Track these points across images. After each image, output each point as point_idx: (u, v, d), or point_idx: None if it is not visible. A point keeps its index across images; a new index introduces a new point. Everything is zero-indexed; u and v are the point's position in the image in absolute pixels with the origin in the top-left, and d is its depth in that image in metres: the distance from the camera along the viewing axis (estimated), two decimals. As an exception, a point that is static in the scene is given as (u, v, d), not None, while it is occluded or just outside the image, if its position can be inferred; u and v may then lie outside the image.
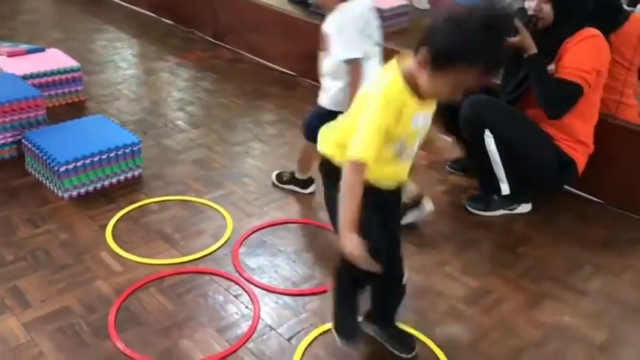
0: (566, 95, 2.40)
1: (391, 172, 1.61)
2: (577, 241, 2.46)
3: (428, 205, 2.45)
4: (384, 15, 4.84)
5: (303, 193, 2.66)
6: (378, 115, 1.45)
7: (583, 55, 2.37)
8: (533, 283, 2.20)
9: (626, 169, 2.60)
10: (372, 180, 1.55)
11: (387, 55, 3.42)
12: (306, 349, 1.84)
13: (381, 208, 1.62)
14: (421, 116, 1.53)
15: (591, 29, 2.38)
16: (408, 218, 2.42)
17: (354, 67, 2.21)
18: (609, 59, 2.42)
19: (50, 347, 1.81)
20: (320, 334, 1.90)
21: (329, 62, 2.28)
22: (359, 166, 1.47)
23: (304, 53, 3.24)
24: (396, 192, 1.71)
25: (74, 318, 1.92)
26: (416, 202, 2.44)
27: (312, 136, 2.49)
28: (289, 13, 4.09)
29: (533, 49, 2.39)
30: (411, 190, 2.42)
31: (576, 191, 2.76)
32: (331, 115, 2.28)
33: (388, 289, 1.76)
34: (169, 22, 4.95)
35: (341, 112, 2.18)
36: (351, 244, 1.48)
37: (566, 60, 2.38)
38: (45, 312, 1.94)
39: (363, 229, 1.53)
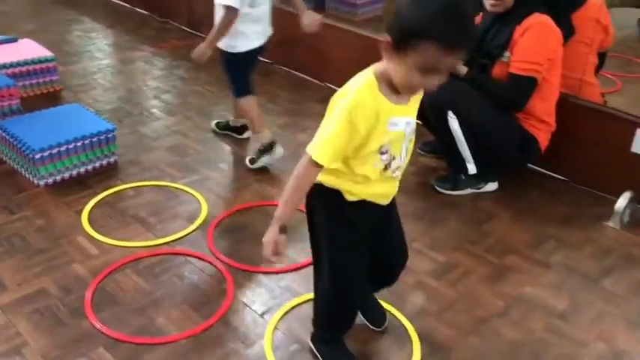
0: (521, 90, 2.48)
1: (383, 191, 1.57)
2: (541, 217, 2.54)
3: (278, 150, 2.77)
4: (357, 2, 4.93)
5: (280, 170, 2.74)
6: (343, 117, 1.38)
7: (531, 46, 2.43)
8: (497, 257, 2.28)
9: (589, 148, 2.70)
10: (365, 197, 1.53)
11: (360, 42, 3.51)
12: (278, 322, 1.91)
13: (361, 223, 1.58)
14: (402, 121, 1.46)
15: (539, 15, 2.44)
16: (261, 162, 2.76)
17: (225, 13, 2.51)
18: (561, 43, 2.49)
19: (28, 327, 1.85)
20: (292, 308, 1.97)
21: (218, 8, 2.58)
22: (314, 166, 1.43)
23: (280, 41, 3.28)
24: (388, 207, 1.64)
25: (51, 299, 1.97)
26: (267, 148, 2.75)
27: (237, 89, 2.75)
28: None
29: (463, 70, 2.49)
30: (264, 136, 2.75)
31: (541, 169, 2.86)
32: (229, 56, 2.66)
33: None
34: (144, 12, 4.96)
35: (235, 53, 2.64)
36: (270, 234, 1.47)
37: (516, 54, 2.45)
38: (22, 294, 1.98)
39: (332, 243, 1.59)
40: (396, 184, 1.59)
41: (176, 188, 2.61)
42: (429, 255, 2.26)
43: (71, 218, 2.37)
